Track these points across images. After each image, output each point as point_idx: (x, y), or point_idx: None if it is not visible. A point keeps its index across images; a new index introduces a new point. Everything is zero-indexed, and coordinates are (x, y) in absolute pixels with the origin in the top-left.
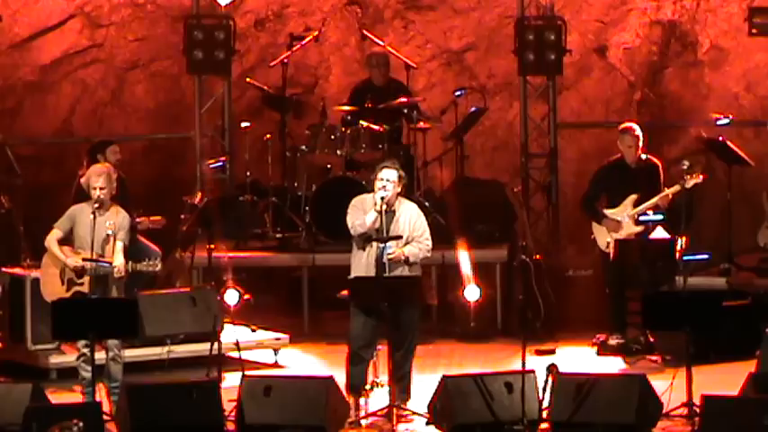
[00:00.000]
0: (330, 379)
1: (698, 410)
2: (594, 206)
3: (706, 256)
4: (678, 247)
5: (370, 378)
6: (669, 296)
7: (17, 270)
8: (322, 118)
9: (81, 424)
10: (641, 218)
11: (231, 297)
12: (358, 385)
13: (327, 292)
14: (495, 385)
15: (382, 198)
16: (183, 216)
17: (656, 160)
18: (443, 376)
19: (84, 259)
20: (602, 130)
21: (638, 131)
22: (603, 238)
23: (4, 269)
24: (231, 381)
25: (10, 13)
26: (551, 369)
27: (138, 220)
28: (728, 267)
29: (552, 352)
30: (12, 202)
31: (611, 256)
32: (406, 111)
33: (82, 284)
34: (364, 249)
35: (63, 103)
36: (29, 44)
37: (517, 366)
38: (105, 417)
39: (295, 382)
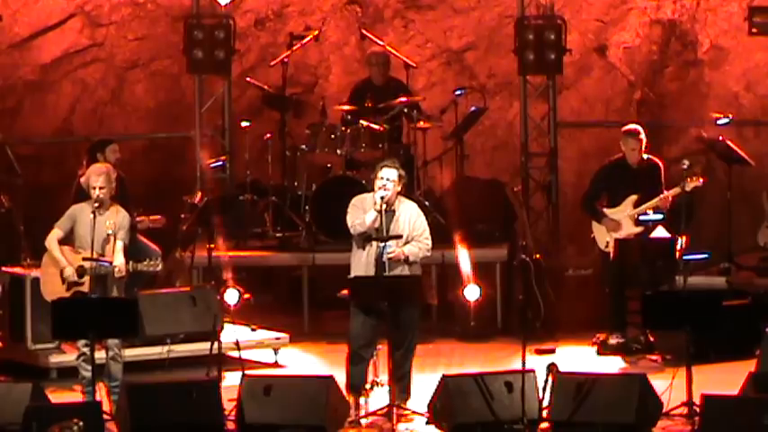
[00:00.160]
0: (330, 378)
1: (698, 410)
2: (595, 206)
3: (706, 256)
4: (678, 247)
5: (370, 377)
6: (669, 296)
7: (17, 270)
8: (322, 117)
9: (81, 423)
10: (641, 218)
11: (231, 296)
12: (358, 385)
13: (327, 292)
14: (495, 385)
15: (382, 197)
16: (183, 215)
17: (657, 160)
18: (443, 376)
19: (84, 258)
20: (602, 130)
21: (642, 134)
22: (603, 237)
23: (4, 269)
24: (231, 380)
25: (10, 13)
26: (551, 368)
27: (138, 219)
28: (728, 267)
29: (552, 351)
30: (12, 201)
31: (612, 255)
32: (405, 111)
33: (82, 284)
34: (364, 249)
35: (63, 102)
36: (29, 44)
37: (517, 366)
38: (105, 416)
39: (295, 382)
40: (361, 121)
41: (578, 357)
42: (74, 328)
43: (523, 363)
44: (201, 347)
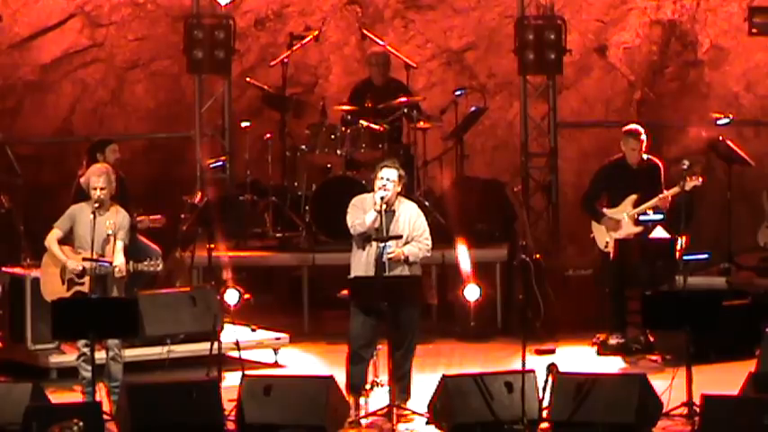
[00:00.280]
0: (330, 378)
1: (698, 410)
2: (595, 206)
3: (706, 256)
4: (678, 247)
5: (370, 377)
6: (669, 296)
7: (17, 270)
8: (322, 117)
9: (81, 423)
10: (641, 218)
11: (231, 297)
12: (358, 385)
13: (327, 292)
14: (495, 385)
15: (382, 197)
16: (183, 215)
17: (657, 161)
18: (443, 376)
19: (84, 259)
20: (602, 130)
21: (643, 135)
22: (602, 237)
23: (4, 269)
24: (231, 380)
25: (10, 13)
26: (551, 369)
27: (138, 219)
28: (728, 267)
29: (552, 351)
30: (12, 201)
31: (611, 255)
32: (405, 111)
33: (82, 284)
34: (364, 249)
35: (63, 102)
36: (29, 44)
37: (517, 366)
38: (105, 416)
39: (295, 382)
40: (361, 122)
41: (578, 357)
42: (74, 328)
43: (523, 363)
44: (201, 347)
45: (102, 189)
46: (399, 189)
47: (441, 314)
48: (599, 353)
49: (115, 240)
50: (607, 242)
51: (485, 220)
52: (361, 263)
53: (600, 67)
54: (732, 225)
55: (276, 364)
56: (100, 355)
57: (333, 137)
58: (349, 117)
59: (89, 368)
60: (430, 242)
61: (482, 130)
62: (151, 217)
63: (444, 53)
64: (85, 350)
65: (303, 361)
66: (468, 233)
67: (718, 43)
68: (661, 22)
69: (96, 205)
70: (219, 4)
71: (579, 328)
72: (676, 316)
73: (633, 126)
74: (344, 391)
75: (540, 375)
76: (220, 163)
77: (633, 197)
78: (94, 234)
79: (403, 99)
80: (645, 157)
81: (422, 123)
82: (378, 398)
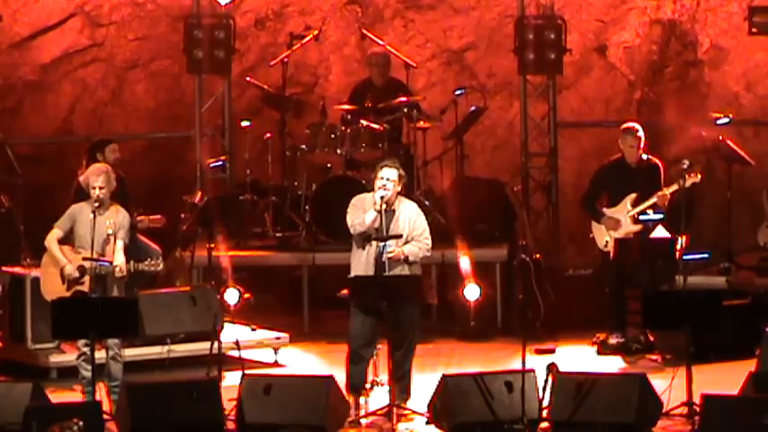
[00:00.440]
0: (330, 378)
1: (698, 410)
2: (594, 205)
3: (706, 256)
4: (678, 247)
5: (370, 377)
6: (669, 295)
7: (17, 269)
8: (322, 117)
9: (81, 423)
10: (641, 217)
11: (231, 296)
12: (358, 384)
13: (327, 292)
14: (495, 384)
15: (382, 197)
16: (183, 215)
17: (656, 161)
18: (443, 375)
19: (84, 258)
20: (602, 130)
21: (641, 132)
22: (602, 237)
23: (4, 268)
24: (231, 380)
25: (10, 13)
26: (551, 368)
27: (138, 219)
28: (728, 266)
29: (552, 351)
30: (12, 201)
31: (611, 255)
32: (405, 110)
33: (82, 284)
34: (364, 248)
35: (63, 102)
36: (29, 43)
37: (517, 366)
38: (105, 416)
39: (295, 382)
40: (361, 121)
41: (578, 357)
42: (74, 328)
43: (523, 363)
44: (201, 347)
45: (101, 189)
46: (399, 189)
47: (441, 314)
48: (599, 353)
49: (115, 240)
50: (607, 242)
51: (485, 220)
52: (361, 262)
53: (600, 67)
54: (732, 225)
55: (276, 364)
56: (100, 355)
57: (333, 137)
58: (349, 117)
59: (89, 368)
60: (430, 242)
61: (482, 130)
62: (151, 217)
63: (444, 53)
64: (85, 350)
65: (303, 361)
66: (468, 233)
67: (718, 43)
68: (661, 21)
69: (96, 205)
70: (219, 4)
71: (579, 328)
72: (676, 316)
73: (630, 123)
74: (344, 391)
75: (540, 375)
76: (220, 163)
77: (632, 196)
78: (94, 234)
79: (403, 99)
80: (644, 156)
81: (422, 123)
82: (378, 397)
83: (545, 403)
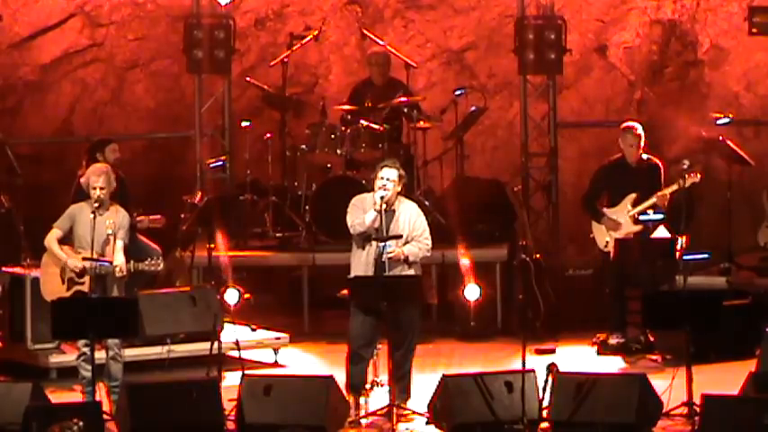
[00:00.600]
0: (330, 378)
1: (698, 410)
2: (595, 205)
3: (706, 256)
4: (678, 247)
5: (370, 377)
6: (669, 295)
7: (17, 269)
8: (322, 117)
9: (81, 423)
10: (642, 217)
11: (231, 296)
12: (358, 384)
13: (327, 292)
14: (495, 384)
15: (382, 197)
16: (183, 215)
17: (657, 161)
18: (443, 375)
19: (84, 258)
20: (602, 130)
21: (640, 131)
22: (602, 237)
23: (4, 269)
24: (231, 380)
25: (10, 13)
26: (551, 368)
27: (137, 219)
28: (728, 267)
29: (552, 351)
30: (12, 201)
31: (612, 255)
32: (405, 110)
33: (82, 284)
34: (364, 249)
35: (63, 102)
36: (29, 43)
37: (517, 366)
38: (105, 416)
39: (295, 382)
40: (361, 121)
41: (578, 357)
42: (74, 328)
43: (523, 363)
44: (201, 347)
45: (101, 189)
46: (399, 189)
47: (441, 314)
48: (599, 353)
49: (115, 240)
50: (607, 242)
51: (485, 220)
52: (361, 262)
53: (600, 67)
54: (732, 225)
55: (276, 364)
56: (100, 355)
57: (333, 137)
58: (349, 117)
59: (89, 368)
60: (430, 242)
61: (482, 130)
62: (151, 217)
63: (444, 53)
64: (85, 350)
65: (303, 361)
66: (468, 233)
67: (718, 43)
68: (661, 21)
69: (96, 205)
70: (219, 4)
71: (579, 328)
72: (676, 316)
73: (630, 123)
74: (344, 391)
75: (540, 375)
76: (220, 163)
77: (632, 196)
78: (94, 234)
79: (403, 99)
80: (645, 156)
81: (422, 123)
82: (378, 398)
83: (545, 403)
